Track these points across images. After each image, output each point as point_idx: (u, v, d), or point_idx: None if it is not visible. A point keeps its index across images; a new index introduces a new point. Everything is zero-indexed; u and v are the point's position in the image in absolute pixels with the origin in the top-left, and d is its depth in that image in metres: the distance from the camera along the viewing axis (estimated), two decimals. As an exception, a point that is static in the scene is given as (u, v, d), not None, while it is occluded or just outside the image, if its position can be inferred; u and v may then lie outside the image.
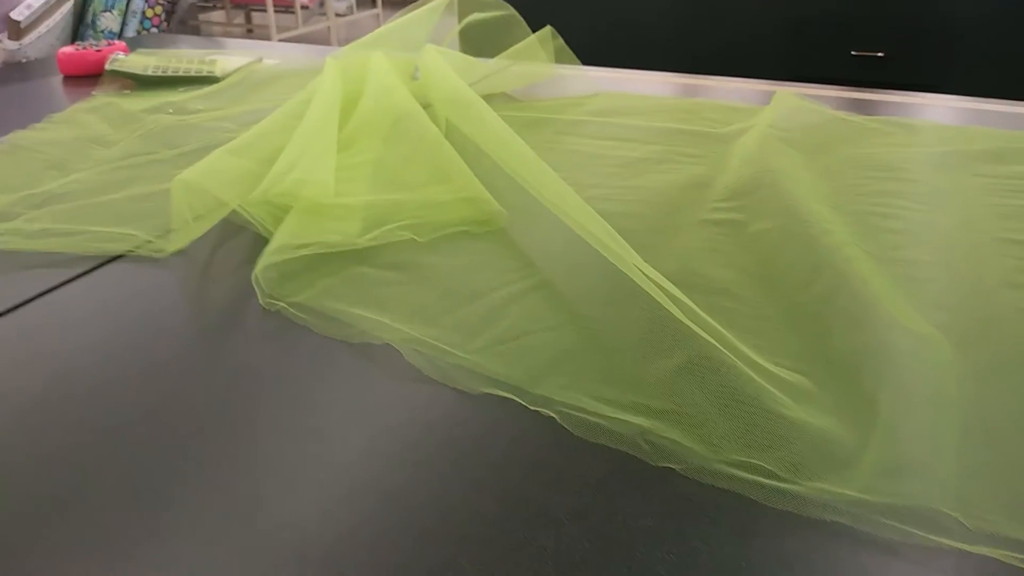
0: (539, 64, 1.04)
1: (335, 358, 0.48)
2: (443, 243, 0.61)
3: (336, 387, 0.45)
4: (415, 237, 0.61)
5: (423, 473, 0.38)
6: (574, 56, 1.07)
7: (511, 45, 1.02)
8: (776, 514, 0.36)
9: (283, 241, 0.56)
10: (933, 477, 0.36)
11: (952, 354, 0.45)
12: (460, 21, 1.03)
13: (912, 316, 0.47)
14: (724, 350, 0.44)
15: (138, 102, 0.99)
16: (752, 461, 0.38)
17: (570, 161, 0.78)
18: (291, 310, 0.52)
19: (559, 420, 0.41)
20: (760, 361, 0.44)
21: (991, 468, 0.37)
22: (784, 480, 0.37)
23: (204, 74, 1.09)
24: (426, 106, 0.81)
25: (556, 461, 0.39)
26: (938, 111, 0.93)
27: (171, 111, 0.96)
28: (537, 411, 0.42)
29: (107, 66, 1.09)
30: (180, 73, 1.08)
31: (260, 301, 0.53)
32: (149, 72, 1.08)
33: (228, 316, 0.52)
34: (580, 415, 0.41)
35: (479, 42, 1.03)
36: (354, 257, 0.58)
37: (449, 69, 0.88)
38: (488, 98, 0.87)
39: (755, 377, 0.42)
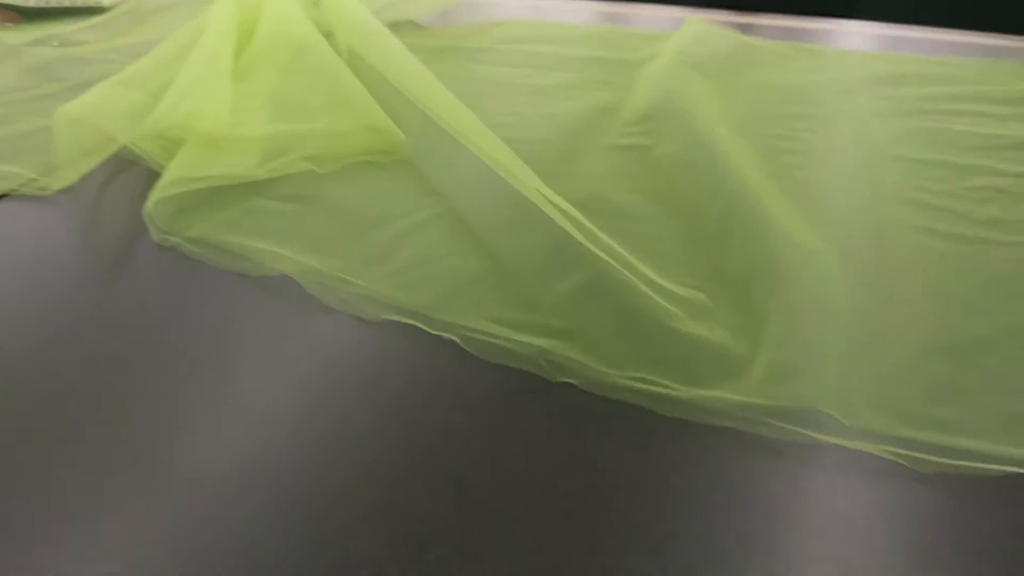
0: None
1: (233, 292, 0.47)
2: (345, 173, 0.60)
3: (235, 321, 0.45)
4: (315, 168, 0.60)
5: (326, 402, 0.39)
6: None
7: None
8: (670, 422, 0.37)
9: (177, 175, 0.55)
10: (816, 381, 0.39)
11: (840, 267, 0.47)
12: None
13: (804, 232, 0.49)
14: (622, 270, 0.45)
15: (20, 35, 0.94)
16: (647, 376, 0.40)
17: (478, 89, 0.77)
18: (187, 245, 0.51)
19: (461, 344, 0.42)
20: (658, 280, 0.45)
21: (872, 372, 0.40)
22: (677, 390, 0.39)
23: (90, 5, 1.03)
24: (327, 34, 0.79)
25: (457, 383, 0.40)
26: (847, 36, 0.95)
27: (56, 44, 0.92)
28: (439, 336, 0.43)
29: (-16, -3, 1.03)
30: (65, 4, 1.03)
31: (153, 237, 0.52)
32: (32, 3, 1.02)
33: (119, 254, 0.51)
34: (481, 338, 0.42)
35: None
36: (252, 189, 0.57)
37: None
38: (394, 26, 0.85)
39: (651, 295, 0.44)
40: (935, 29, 0.98)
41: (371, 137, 0.63)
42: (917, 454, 0.35)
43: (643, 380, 0.39)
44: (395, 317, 0.44)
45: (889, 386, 0.39)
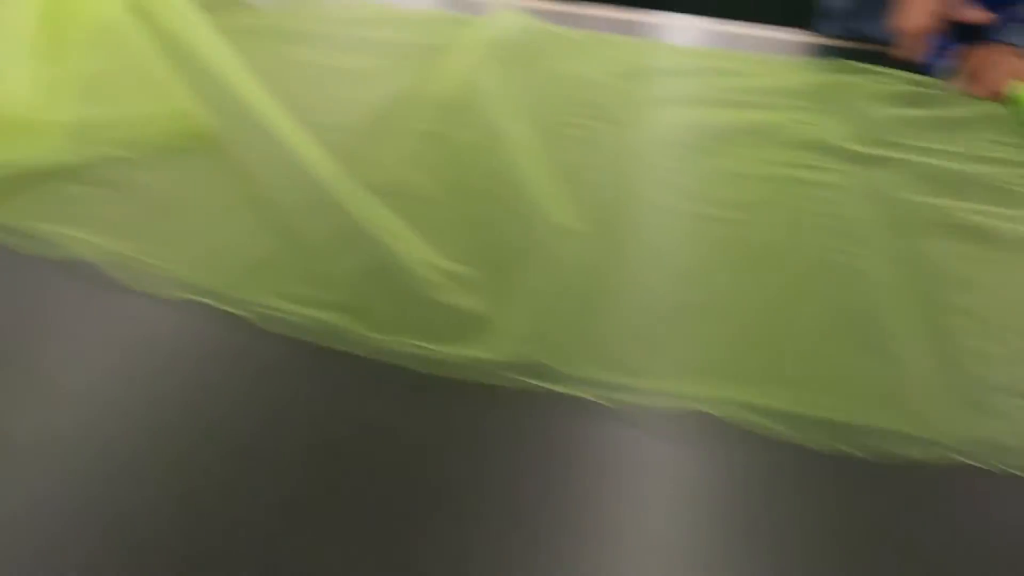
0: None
1: (39, 277, 0.52)
2: (156, 159, 0.65)
3: (37, 305, 0.50)
4: (128, 154, 0.64)
5: (128, 381, 0.45)
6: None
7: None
8: (425, 378, 0.46)
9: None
10: (552, 341, 0.48)
11: (586, 240, 0.57)
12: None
13: (567, 214, 0.59)
14: (401, 249, 0.53)
15: None
16: (414, 341, 0.48)
17: (291, 72, 0.82)
18: (-7, 230, 0.55)
19: (254, 320, 0.49)
20: (433, 258, 0.54)
21: (593, 334, 0.50)
22: (438, 351, 0.47)
23: None
24: (135, 12, 0.82)
25: (250, 358, 0.47)
26: (668, 30, 1.06)
27: None
28: (234, 313, 0.49)
29: None
30: None
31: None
32: None
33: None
34: (271, 313, 0.49)
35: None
36: (64, 175, 0.61)
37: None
38: (217, 5, 0.89)
39: (423, 271, 0.52)
40: (749, 24, 1.11)
41: (182, 122, 0.68)
42: (610, 395, 0.45)
43: (411, 344, 0.47)
44: (189, 296, 0.50)
45: (605, 342, 0.49)
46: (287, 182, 0.62)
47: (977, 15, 0.93)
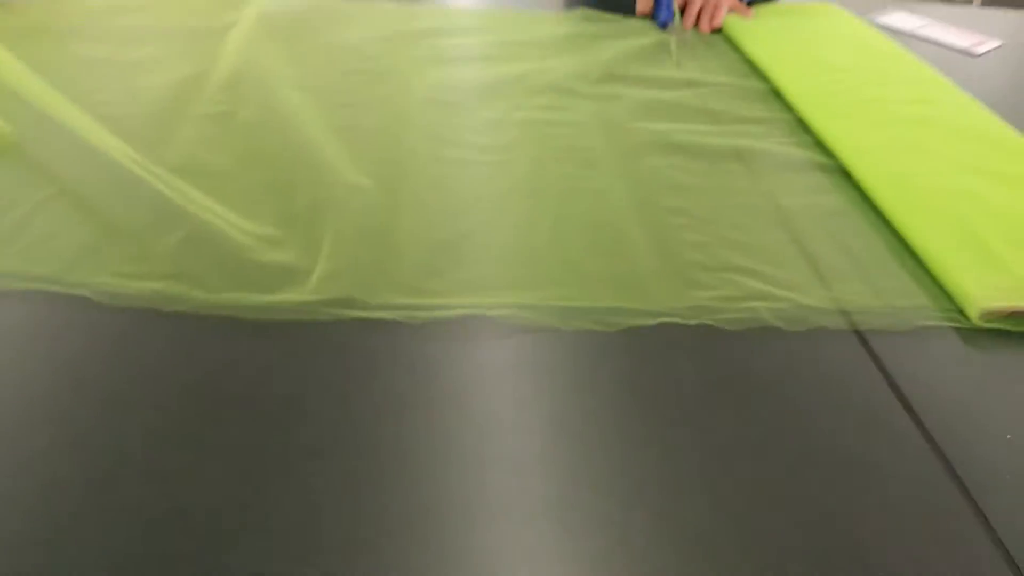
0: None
1: None
2: (-43, 167, 0.69)
3: None
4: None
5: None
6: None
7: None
8: (256, 324, 0.56)
9: None
10: (352, 278, 0.59)
11: (374, 194, 0.68)
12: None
13: (352, 172, 0.69)
14: (214, 219, 0.62)
15: None
16: (235, 294, 0.57)
17: (66, 70, 0.86)
18: None
19: (92, 297, 0.56)
20: (241, 223, 0.63)
21: (392, 266, 0.61)
22: (257, 300, 0.57)
23: None
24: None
25: (96, 327, 0.55)
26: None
27: None
28: (73, 293, 0.56)
29: None
30: None
31: None
32: None
33: None
34: (108, 289, 0.57)
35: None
36: None
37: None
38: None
39: (235, 235, 0.61)
40: None
41: (-26, 129, 0.72)
42: (407, 314, 0.57)
43: (232, 298, 0.57)
44: (30, 286, 0.57)
45: (398, 273, 0.60)
46: (93, 173, 0.68)
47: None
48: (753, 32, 1.06)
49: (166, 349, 0.54)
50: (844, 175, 0.79)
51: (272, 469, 0.46)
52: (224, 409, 0.50)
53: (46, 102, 0.73)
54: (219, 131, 0.77)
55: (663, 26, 1.08)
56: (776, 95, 0.94)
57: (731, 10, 1.12)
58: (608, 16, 1.11)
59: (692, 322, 0.59)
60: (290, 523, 0.43)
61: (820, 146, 0.84)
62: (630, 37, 1.05)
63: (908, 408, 0.54)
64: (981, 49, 1.15)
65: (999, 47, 1.17)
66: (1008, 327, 0.61)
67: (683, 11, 1.11)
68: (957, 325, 0.61)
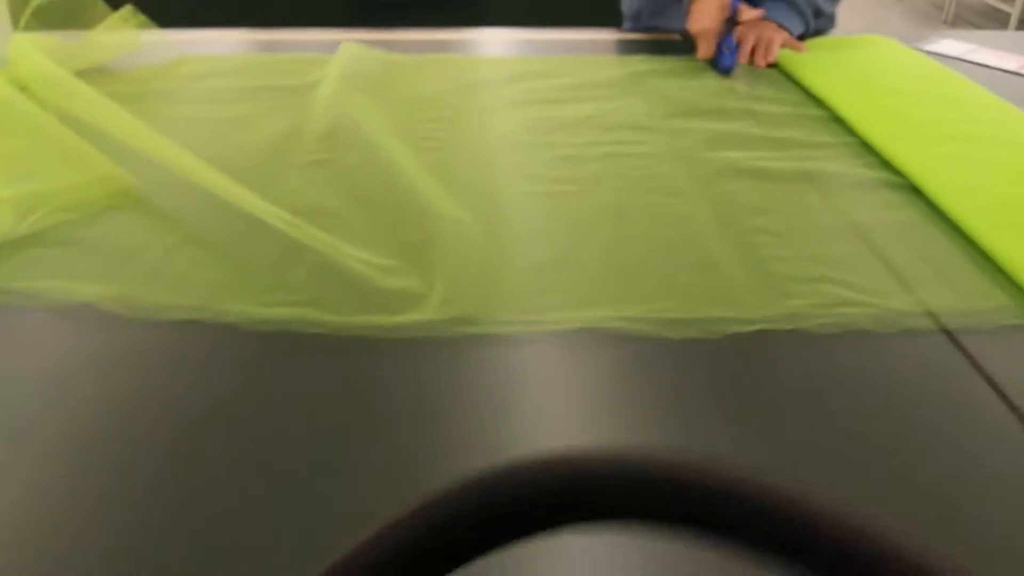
0: (125, 34, 1.15)
1: (36, 325, 0.62)
2: (95, 218, 0.75)
3: (50, 344, 0.61)
4: (68, 217, 0.75)
5: (139, 386, 0.57)
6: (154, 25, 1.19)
7: (89, 24, 1.12)
8: (396, 343, 0.61)
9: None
10: (469, 299, 0.64)
11: (474, 225, 0.73)
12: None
13: (450, 207, 0.75)
14: (335, 253, 0.67)
15: None
16: (366, 317, 0.62)
17: (175, 128, 0.93)
18: (-15, 295, 0.65)
19: (239, 323, 0.62)
20: (360, 255, 0.68)
21: (500, 287, 0.66)
22: (385, 320, 0.62)
23: None
24: (22, 89, 0.91)
25: (237, 351, 0.60)
26: (474, 45, 1.24)
27: None
28: (219, 321, 0.62)
29: None
30: None
31: (-51, 294, 0.65)
32: None
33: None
34: (251, 316, 0.62)
35: (56, 23, 1.11)
36: (21, 243, 0.71)
37: (38, 52, 0.98)
38: (83, 73, 0.99)
39: (359, 267, 0.67)
40: (527, 29, 1.30)
41: (105, 185, 0.79)
42: (527, 327, 0.62)
43: (364, 320, 0.62)
44: (181, 316, 0.63)
45: (508, 293, 0.66)
46: (216, 218, 0.75)
47: (752, 13, 1.17)
48: (809, 64, 1.11)
49: (310, 368, 0.59)
50: (912, 191, 0.83)
51: (422, 471, 0.51)
52: (369, 419, 0.54)
53: (163, 156, 0.80)
54: (323, 177, 0.83)
55: (726, 72, 1.13)
56: (836, 121, 0.99)
57: (784, 45, 1.18)
58: (663, 57, 1.17)
59: (788, 327, 0.63)
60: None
61: (886, 166, 0.88)
62: (690, 75, 1.11)
63: (1004, 399, 0.57)
64: (1030, 70, 1.19)
65: (1047, 67, 1.21)
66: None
67: (737, 47, 1.17)
68: (1041, 321, 0.65)
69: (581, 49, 1.24)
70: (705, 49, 1.15)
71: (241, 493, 0.49)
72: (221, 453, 0.52)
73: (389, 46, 1.19)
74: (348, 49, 1.13)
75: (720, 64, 1.14)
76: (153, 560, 0.45)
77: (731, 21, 1.16)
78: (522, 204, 0.79)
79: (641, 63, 1.14)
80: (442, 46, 1.23)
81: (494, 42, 1.26)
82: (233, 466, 0.51)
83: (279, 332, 0.62)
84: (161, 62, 1.13)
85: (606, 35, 1.33)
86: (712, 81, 1.10)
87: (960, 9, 4.26)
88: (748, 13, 1.17)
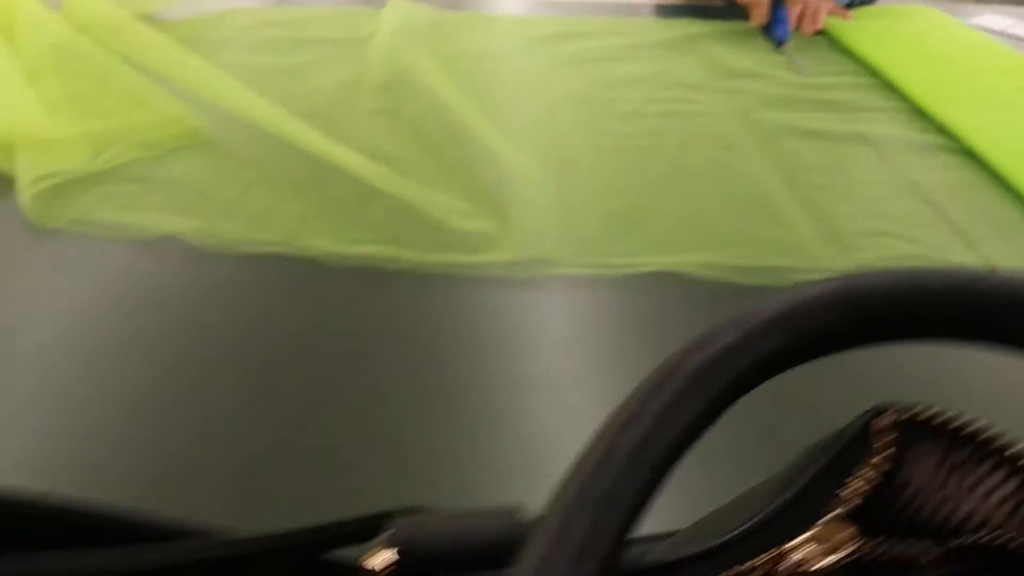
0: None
1: (122, 257, 0.64)
2: (167, 157, 0.76)
3: (137, 273, 0.62)
4: (142, 155, 0.76)
5: (225, 314, 0.59)
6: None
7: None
8: (471, 281, 0.62)
9: (35, 173, 0.69)
10: (542, 242, 0.66)
11: (543, 174, 0.75)
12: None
13: (517, 156, 0.76)
14: (411, 194, 0.69)
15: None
16: (446, 255, 0.64)
17: (236, 74, 0.94)
18: (71, 226, 0.66)
19: (320, 258, 0.63)
20: (435, 198, 0.70)
21: (571, 232, 0.68)
22: (464, 259, 0.63)
23: None
24: (79, 31, 0.92)
25: (319, 283, 0.62)
26: (509, 2, 1.24)
27: None
28: (302, 255, 0.63)
29: None
30: None
31: (36, 223, 0.66)
32: None
33: (2, 243, 0.65)
34: (333, 251, 0.64)
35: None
36: (98, 178, 0.72)
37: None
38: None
39: (433, 209, 0.68)
40: None
41: (174, 125, 0.80)
42: (602, 270, 0.63)
43: (443, 258, 0.64)
44: (261, 249, 0.64)
45: (582, 238, 0.67)
46: (288, 159, 0.76)
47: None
48: (857, 32, 1.12)
49: (391, 303, 0.60)
50: (966, 155, 0.84)
51: (500, 401, 0.53)
52: (446, 354, 0.56)
53: (231, 99, 0.81)
54: (388, 125, 0.84)
55: (780, 44, 1.12)
56: (886, 87, 1.00)
57: (830, 13, 1.18)
58: (709, 21, 1.18)
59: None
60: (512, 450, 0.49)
61: (938, 130, 0.89)
62: (739, 38, 1.12)
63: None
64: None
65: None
66: None
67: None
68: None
69: (625, 11, 1.24)
70: (759, 16, 1.14)
71: (319, 422, 0.50)
72: (301, 382, 0.53)
73: (430, 3, 1.19)
74: (397, 4, 1.14)
75: (773, 34, 1.13)
76: (246, 482, 0.46)
77: None
78: (587, 155, 0.80)
79: (690, 26, 1.14)
80: (479, 4, 1.23)
81: (534, 2, 1.26)
82: (311, 395, 0.52)
83: (358, 267, 0.63)
84: (210, 12, 1.14)
85: (645, -1, 1.33)
86: (761, 44, 1.10)
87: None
88: None
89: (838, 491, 0.19)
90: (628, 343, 0.58)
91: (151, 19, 1.10)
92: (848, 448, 0.20)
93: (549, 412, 0.52)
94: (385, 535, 0.21)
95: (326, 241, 0.65)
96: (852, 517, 0.19)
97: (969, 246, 0.69)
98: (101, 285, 0.61)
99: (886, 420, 0.21)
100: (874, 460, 0.20)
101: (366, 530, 0.21)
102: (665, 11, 1.25)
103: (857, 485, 0.19)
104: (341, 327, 0.58)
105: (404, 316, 0.59)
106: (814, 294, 0.19)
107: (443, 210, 0.69)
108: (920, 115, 0.93)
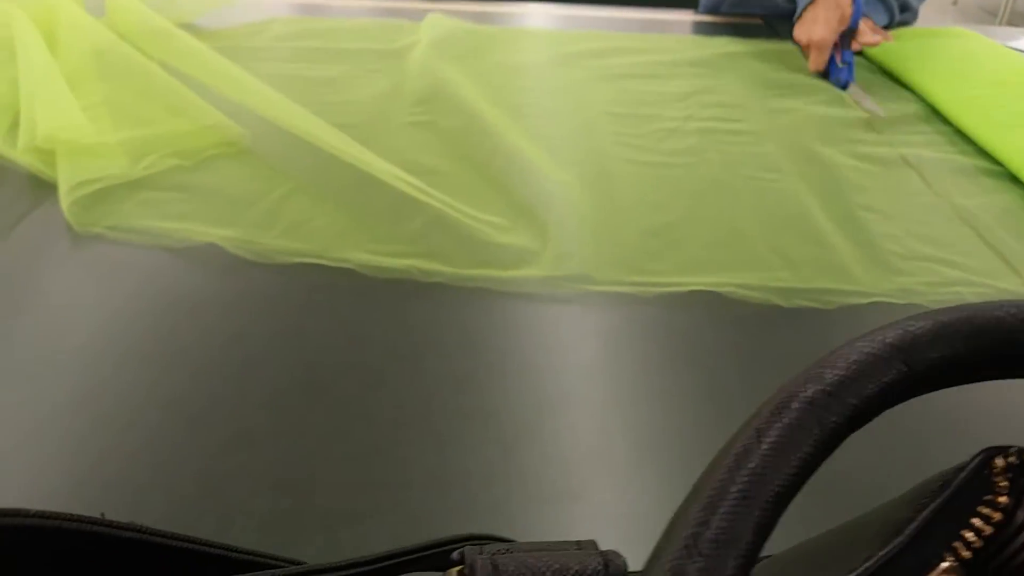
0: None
1: (160, 264, 0.64)
2: (205, 165, 0.77)
3: (176, 280, 0.62)
4: (181, 162, 0.76)
5: (261, 324, 0.58)
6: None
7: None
8: (508, 297, 0.62)
9: (75, 179, 0.69)
10: (582, 258, 0.65)
11: (581, 189, 0.74)
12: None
13: (555, 171, 0.76)
14: (449, 209, 0.68)
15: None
16: (482, 270, 0.63)
17: (274, 84, 0.94)
18: (109, 232, 0.66)
19: (356, 269, 0.63)
20: (472, 212, 0.69)
21: (611, 248, 0.67)
22: (501, 274, 0.63)
23: None
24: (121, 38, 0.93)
25: (356, 295, 0.61)
26: (543, 18, 1.24)
27: None
28: (339, 266, 0.63)
29: None
30: None
31: (76, 228, 0.66)
32: None
33: (43, 245, 0.65)
34: (372, 262, 0.63)
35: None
36: (134, 186, 0.72)
37: (135, 1, 1.00)
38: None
39: (471, 223, 0.67)
40: (601, 7, 1.30)
41: (213, 133, 0.80)
42: (641, 288, 0.62)
43: (480, 272, 0.63)
44: (302, 260, 0.64)
45: (621, 255, 0.66)
46: (326, 170, 0.76)
47: (874, 39, 1.11)
48: (897, 53, 1.11)
49: (428, 316, 0.60)
50: (1011, 179, 0.83)
51: (536, 419, 0.52)
52: (481, 370, 0.55)
53: (269, 108, 0.81)
54: (426, 137, 0.84)
55: (844, 87, 1.04)
56: (928, 108, 0.99)
57: (871, 32, 1.17)
58: (749, 40, 1.17)
59: (903, 302, 0.63)
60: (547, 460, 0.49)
61: (981, 153, 0.88)
62: (780, 57, 1.11)
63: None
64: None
65: None
66: None
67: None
68: None
69: (657, 29, 1.23)
70: (818, 60, 1.06)
71: (353, 436, 0.50)
72: (335, 394, 0.53)
73: (462, 17, 1.19)
74: (435, 18, 1.14)
75: (835, 78, 1.05)
76: (279, 495, 0.46)
77: (849, 32, 1.07)
78: (626, 171, 0.79)
79: (730, 44, 1.14)
80: (515, 19, 1.23)
81: (566, 17, 1.26)
82: (345, 408, 0.52)
83: (394, 280, 0.63)
84: (249, 22, 1.15)
85: (683, 16, 1.32)
86: (802, 64, 1.09)
87: (1014, 16, 4.21)
88: (871, 35, 1.11)
89: (959, 533, 0.18)
90: (665, 363, 0.57)
91: (191, 27, 1.11)
92: (964, 489, 0.19)
93: (584, 432, 0.51)
94: (455, 571, 0.20)
95: (363, 253, 0.65)
96: (964, 565, 0.18)
97: (1015, 272, 0.68)
98: (138, 291, 0.61)
99: (1006, 460, 0.20)
100: (999, 499, 0.19)
101: (434, 557, 0.20)
102: (703, 29, 1.25)
103: (979, 526, 0.18)
104: (377, 340, 0.57)
105: (441, 330, 0.58)
106: (943, 321, 0.18)
107: (481, 224, 0.68)
108: (961, 138, 0.92)
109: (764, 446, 0.16)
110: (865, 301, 0.63)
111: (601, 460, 0.49)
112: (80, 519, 0.17)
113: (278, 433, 0.49)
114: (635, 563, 0.39)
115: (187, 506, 0.44)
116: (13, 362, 0.54)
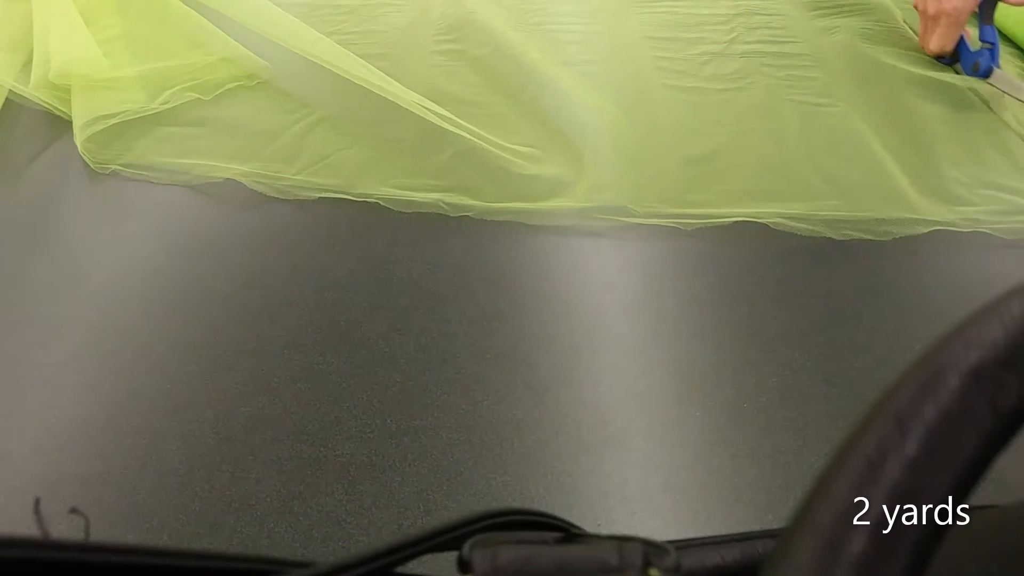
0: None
1: (179, 201, 0.61)
2: (224, 98, 0.73)
3: (195, 218, 0.59)
4: (200, 96, 0.72)
5: (282, 262, 0.55)
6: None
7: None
8: (533, 229, 0.58)
9: (90, 115, 0.67)
10: (618, 188, 0.61)
11: (619, 117, 0.69)
12: None
13: (591, 97, 0.71)
14: (478, 140, 0.64)
15: None
16: (513, 203, 0.59)
17: (297, 12, 0.90)
18: (125, 170, 0.63)
19: (382, 203, 0.60)
20: (503, 143, 0.65)
21: (649, 178, 0.62)
22: (536, 205, 0.59)
23: None
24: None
25: (381, 231, 0.58)
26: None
27: None
28: (363, 201, 0.60)
29: None
30: None
31: (93, 166, 0.63)
32: None
33: (59, 185, 0.63)
34: (397, 196, 0.60)
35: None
36: (154, 120, 0.69)
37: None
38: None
39: (502, 153, 0.63)
40: None
41: (234, 66, 0.76)
42: (681, 221, 0.58)
43: (511, 205, 0.59)
44: (325, 195, 0.61)
45: (661, 185, 0.62)
46: (350, 101, 0.72)
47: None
48: None
49: (457, 252, 0.57)
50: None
51: (569, 360, 0.48)
52: (524, 304, 0.52)
53: (291, 38, 0.77)
54: (455, 66, 0.80)
55: (985, 75, 0.76)
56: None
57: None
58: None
59: (966, 231, 0.59)
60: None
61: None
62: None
63: None
64: None
65: None
66: None
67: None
68: None
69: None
70: (946, 37, 0.77)
71: (378, 377, 0.47)
72: (359, 333, 0.50)
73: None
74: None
75: (970, 63, 0.77)
76: (300, 441, 0.43)
77: (990, 3, 0.78)
78: (668, 98, 0.74)
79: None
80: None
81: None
82: (369, 348, 0.49)
83: (422, 214, 0.59)
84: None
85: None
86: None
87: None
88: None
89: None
90: (707, 300, 0.54)
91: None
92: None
93: (622, 374, 0.48)
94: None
95: (388, 187, 0.62)
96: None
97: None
98: (158, 230, 0.59)
99: None
100: None
101: (449, 542, 0.17)
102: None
103: None
104: (402, 278, 0.54)
105: (469, 267, 0.55)
106: None
107: (512, 154, 0.64)
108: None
109: (910, 447, 0.11)
110: (925, 230, 0.58)
111: (640, 404, 0.46)
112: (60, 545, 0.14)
113: (298, 377, 0.47)
114: (678, 518, 0.36)
115: (204, 454, 0.42)
116: (30, 304, 0.52)
